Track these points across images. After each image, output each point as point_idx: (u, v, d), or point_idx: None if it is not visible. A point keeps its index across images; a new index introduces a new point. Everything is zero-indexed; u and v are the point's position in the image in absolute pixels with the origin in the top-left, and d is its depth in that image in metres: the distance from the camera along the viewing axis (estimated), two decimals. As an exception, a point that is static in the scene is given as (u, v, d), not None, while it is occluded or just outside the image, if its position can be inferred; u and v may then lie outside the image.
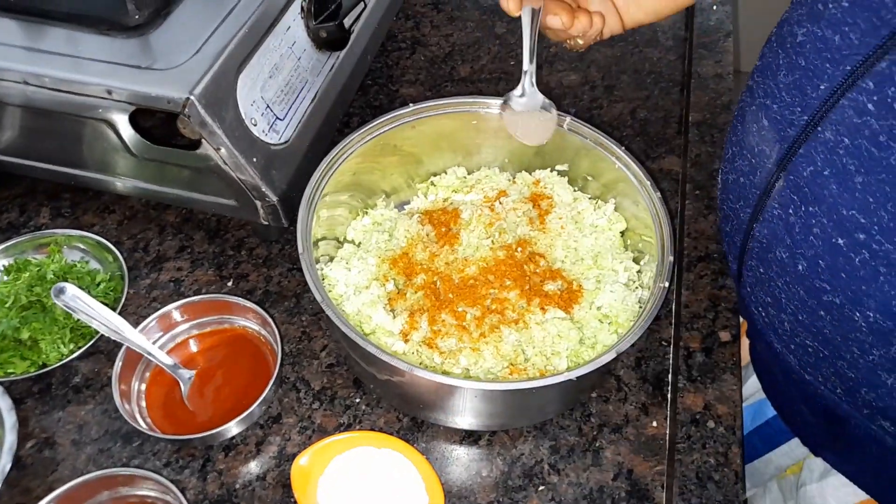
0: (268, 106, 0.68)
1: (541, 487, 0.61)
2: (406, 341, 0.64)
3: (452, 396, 0.57)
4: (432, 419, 0.64)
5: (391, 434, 0.63)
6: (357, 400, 0.66)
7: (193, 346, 0.67)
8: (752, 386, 0.75)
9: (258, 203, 0.68)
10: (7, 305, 0.68)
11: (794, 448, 0.71)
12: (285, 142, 0.70)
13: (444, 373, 0.61)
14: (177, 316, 0.66)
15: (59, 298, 0.59)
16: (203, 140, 0.62)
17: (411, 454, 0.59)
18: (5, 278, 0.71)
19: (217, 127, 0.62)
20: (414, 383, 0.57)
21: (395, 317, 0.65)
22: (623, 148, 0.69)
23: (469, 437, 0.64)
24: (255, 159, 0.65)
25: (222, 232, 0.80)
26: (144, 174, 0.72)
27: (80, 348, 0.66)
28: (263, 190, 0.67)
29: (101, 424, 0.64)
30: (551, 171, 0.76)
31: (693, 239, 0.78)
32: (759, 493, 0.78)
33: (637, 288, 0.68)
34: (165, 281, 0.75)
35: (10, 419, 0.59)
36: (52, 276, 0.71)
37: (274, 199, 0.68)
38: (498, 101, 0.73)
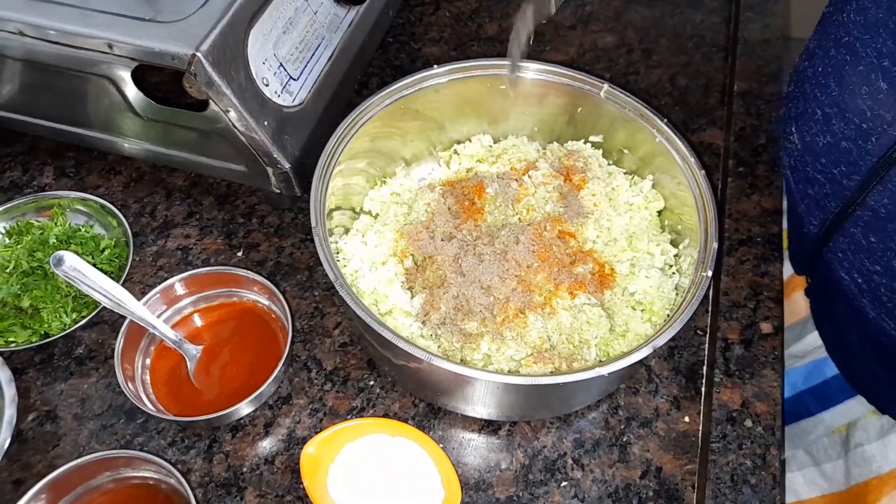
0: (281, 65, 0.63)
1: (563, 483, 0.57)
2: (424, 323, 0.60)
3: (471, 387, 0.53)
4: (450, 406, 0.60)
5: (406, 420, 0.60)
6: (371, 382, 0.63)
7: (199, 321, 0.64)
8: (807, 344, 0.70)
9: (269, 170, 0.64)
10: (7, 271, 0.65)
11: (851, 408, 0.68)
12: (299, 104, 0.65)
13: (463, 360, 0.57)
14: (180, 289, 0.62)
15: (58, 268, 0.56)
16: (210, 101, 0.58)
17: (427, 443, 0.56)
18: (6, 241, 0.68)
19: (225, 87, 0.57)
20: (431, 371, 0.53)
21: (413, 296, 0.61)
22: (665, 120, 0.64)
23: (488, 427, 0.60)
24: (266, 122, 0.61)
25: (232, 198, 0.75)
26: (150, 135, 0.68)
27: (83, 318, 0.63)
28: (275, 156, 0.62)
29: (104, 399, 0.61)
30: (584, 142, 0.71)
31: (734, 220, 0.72)
32: (799, 453, 0.75)
33: (674, 273, 0.63)
34: (172, 248, 0.71)
35: (10, 391, 0.57)
36: (55, 241, 0.67)
37: (286, 165, 0.63)
38: (529, 64, 0.67)
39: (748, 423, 0.59)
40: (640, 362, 0.63)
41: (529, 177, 0.67)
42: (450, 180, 0.70)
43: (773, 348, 0.63)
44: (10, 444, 0.59)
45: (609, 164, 0.71)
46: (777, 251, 0.69)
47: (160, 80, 0.66)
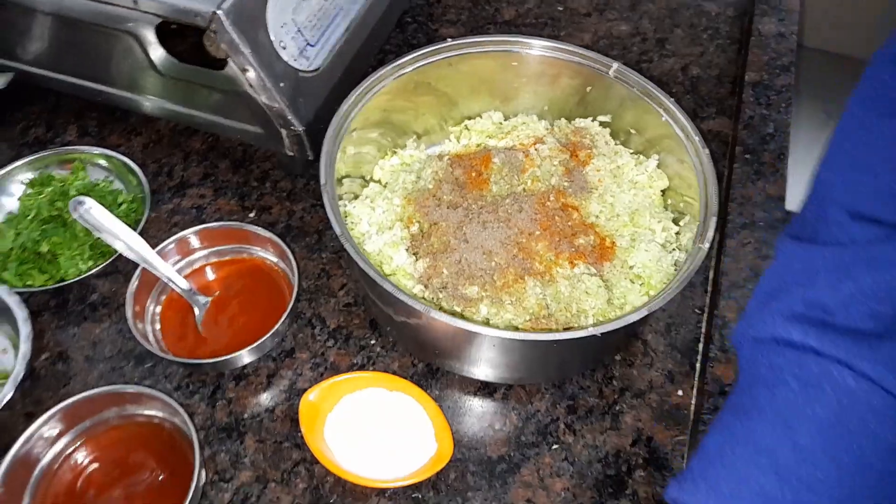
0: (299, 30, 0.65)
1: (554, 446, 0.59)
2: (426, 286, 0.61)
3: (469, 344, 0.55)
4: (448, 367, 0.62)
5: (405, 378, 0.61)
6: (372, 342, 0.64)
7: (210, 274, 0.66)
8: None
9: (283, 132, 0.66)
10: (29, 218, 0.68)
11: None
12: (315, 69, 0.67)
13: (462, 317, 0.59)
14: (194, 242, 0.64)
15: (76, 211, 0.58)
16: (229, 60, 0.60)
17: (423, 399, 0.58)
18: (28, 191, 0.71)
19: (244, 46, 0.59)
20: (430, 327, 0.55)
21: (417, 260, 0.63)
22: (672, 100, 0.65)
23: (484, 389, 0.62)
24: (282, 84, 0.63)
25: (247, 162, 0.78)
26: (171, 95, 0.70)
27: (98, 266, 0.65)
28: (289, 118, 0.64)
29: (114, 343, 0.64)
30: (592, 120, 0.72)
31: (738, 205, 0.73)
32: None
33: (674, 250, 0.64)
34: (187, 207, 0.73)
35: (26, 329, 0.59)
36: (75, 193, 0.70)
37: (300, 128, 0.65)
38: (540, 42, 0.69)
39: (739, 396, 0.60)
40: (637, 336, 0.65)
41: (536, 150, 0.68)
42: (458, 153, 0.72)
43: (769, 328, 0.64)
44: (24, 380, 0.61)
45: (616, 144, 0.72)
46: (778, 235, 0.70)
47: (181, 39, 0.68)
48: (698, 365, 0.63)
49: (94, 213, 0.58)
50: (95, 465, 0.54)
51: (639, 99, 0.67)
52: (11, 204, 0.70)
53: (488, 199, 0.66)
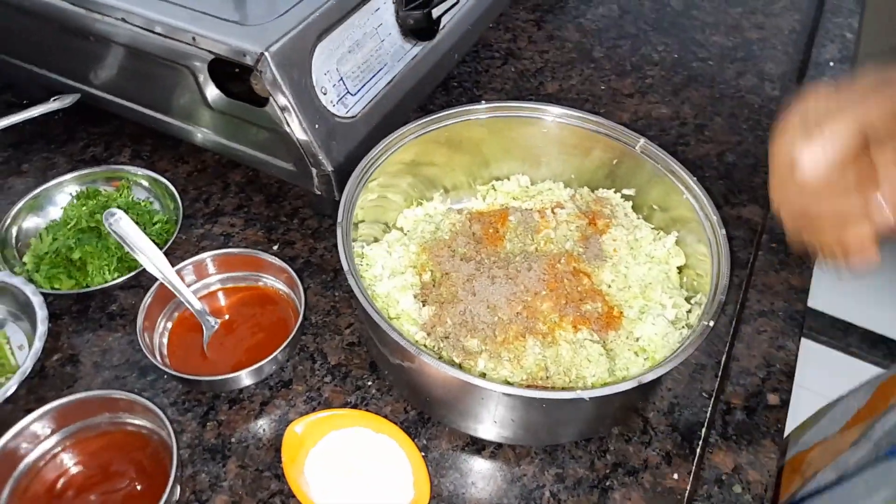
0: (341, 78, 0.69)
1: (536, 513, 0.57)
2: (429, 333, 0.62)
3: (458, 393, 0.55)
4: (438, 417, 0.61)
5: (395, 423, 0.61)
6: (369, 383, 0.64)
7: (222, 299, 0.68)
8: None
9: (314, 171, 0.69)
10: (69, 226, 0.72)
11: None
12: (351, 116, 0.70)
13: (460, 369, 0.59)
14: (211, 266, 0.67)
15: (107, 221, 0.62)
16: (270, 98, 0.64)
17: (407, 446, 0.57)
18: (74, 202, 0.75)
19: (285, 87, 0.63)
20: (422, 371, 0.55)
21: (423, 306, 0.64)
22: (694, 179, 0.65)
23: (472, 445, 0.61)
24: (317, 126, 0.66)
25: (280, 198, 0.81)
26: (219, 128, 0.75)
27: (123, 278, 0.68)
28: (320, 158, 0.67)
29: (123, 353, 0.66)
30: (616, 192, 0.73)
31: (759, 292, 0.72)
32: None
33: (684, 328, 0.63)
34: (217, 234, 0.77)
35: (42, 328, 0.62)
36: (116, 208, 0.74)
37: (329, 168, 0.68)
38: (572, 112, 0.71)
39: (737, 488, 0.57)
40: (636, 411, 0.63)
41: (554, 212, 0.69)
42: (480, 210, 0.73)
43: (777, 421, 0.61)
44: (32, 377, 0.64)
45: (637, 218, 0.72)
46: (797, 328, 0.68)
47: (232, 78, 0.73)
48: (698, 450, 0.61)
49: (123, 225, 0.62)
50: (79, 468, 0.55)
51: (664, 176, 0.68)
52: (56, 213, 0.75)
53: (501, 256, 0.66)
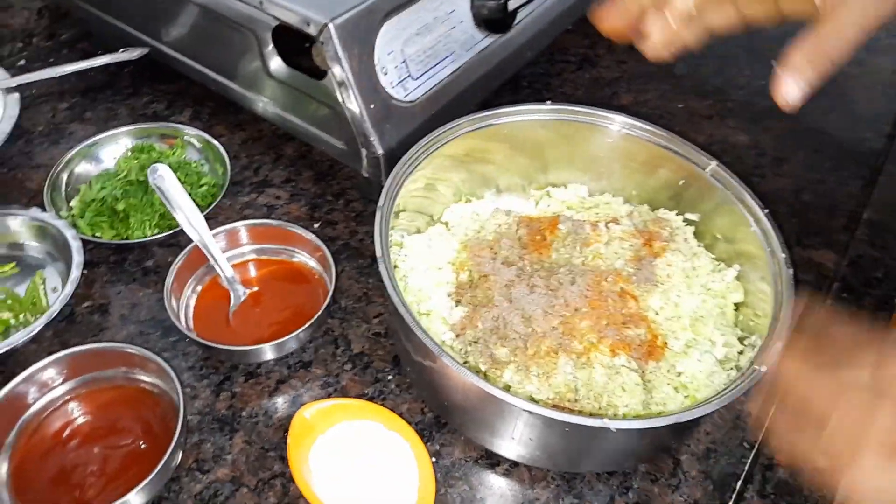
0: (405, 61, 0.67)
1: (543, 542, 0.53)
2: (458, 335, 0.59)
3: (476, 401, 0.51)
4: (454, 423, 0.58)
5: (409, 423, 0.58)
6: (389, 377, 0.62)
7: (253, 270, 0.67)
8: None
9: (363, 152, 0.67)
10: (118, 177, 0.72)
11: None
12: (410, 101, 0.68)
13: (485, 377, 0.55)
14: (244, 236, 0.66)
15: (151, 175, 0.61)
16: (329, 71, 0.62)
17: (418, 449, 0.54)
18: (127, 155, 0.76)
19: (345, 61, 0.61)
20: (443, 374, 0.52)
21: (456, 306, 0.61)
22: (767, 212, 0.60)
23: (487, 459, 0.57)
24: (372, 105, 0.64)
25: (329, 177, 0.79)
26: (278, 98, 0.74)
27: (161, 234, 0.68)
28: (371, 139, 0.65)
29: (150, 310, 0.65)
30: (678, 214, 0.68)
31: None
32: None
33: (732, 369, 0.58)
34: (261, 204, 0.76)
35: (76, 273, 0.62)
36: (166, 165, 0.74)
37: (379, 151, 0.66)
38: (641, 124, 0.66)
39: (768, 553, 0.52)
40: (668, 451, 0.58)
41: (607, 227, 0.65)
42: (530, 216, 0.70)
43: (823, 486, 0.56)
44: (60, 321, 0.64)
45: (698, 246, 0.67)
46: (860, 387, 0.61)
47: (296, 48, 0.72)
48: (731, 503, 0.56)
49: (166, 181, 0.61)
50: (87, 418, 0.55)
51: (733, 204, 0.63)
52: (109, 163, 0.76)
53: (545, 265, 0.63)
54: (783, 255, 0.57)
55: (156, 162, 0.73)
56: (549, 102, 0.68)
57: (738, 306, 0.63)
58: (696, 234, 0.68)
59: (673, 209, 0.70)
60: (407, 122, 0.68)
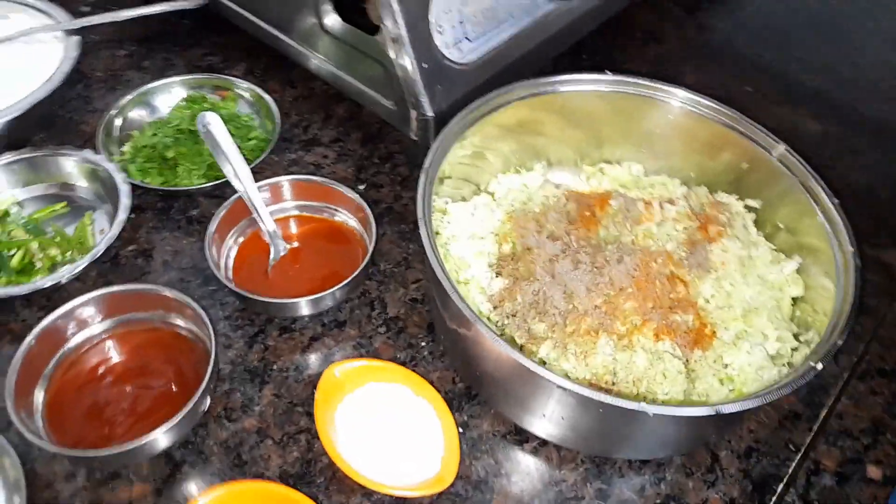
0: (462, 21, 0.65)
1: (567, 525, 0.51)
2: (495, 307, 0.57)
3: (508, 373, 0.49)
4: (486, 396, 0.56)
5: (439, 392, 0.57)
6: (423, 343, 0.61)
7: (294, 227, 0.66)
8: None
9: (413, 113, 0.65)
10: (170, 125, 0.73)
11: None
12: (464, 63, 0.66)
13: (520, 350, 0.54)
14: (287, 191, 0.65)
15: (200, 124, 0.61)
16: (382, 25, 0.60)
17: (446, 418, 0.53)
18: (181, 104, 0.76)
19: (400, 15, 0.59)
20: (477, 343, 0.50)
21: (495, 277, 0.59)
22: (837, 202, 0.56)
23: (515, 435, 0.56)
24: (425, 65, 0.62)
25: (378, 140, 0.78)
26: (331, 54, 0.72)
27: (208, 184, 0.68)
28: (421, 100, 0.63)
29: (192, 258, 0.65)
30: (738, 199, 0.64)
31: (884, 347, 0.62)
32: None
33: (784, 365, 0.55)
34: (308, 161, 0.75)
35: (122, 215, 0.62)
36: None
37: (429, 113, 0.64)
38: (706, 101, 0.63)
39: (807, 560, 0.49)
40: (707, 445, 0.56)
41: (661, 206, 0.62)
42: (580, 191, 0.67)
43: (875, 498, 0.52)
44: (105, 262, 0.65)
45: (758, 234, 0.63)
46: (923, 397, 0.57)
47: (351, 4, 0.70)
48: (770, 506, 0.53)
49: (214, 130, 0.61)
50: (122, 358, 0.56)
51: (799, 193, 0.59)
52: (163, 112, 0.76)
53: (592, 242, 0.60)
54: (851, 250, 0.53)
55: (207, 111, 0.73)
56: (608, 72, 0.65)
57: (795, 301, 0.59)
58: (757, 222, 0.64)
59: (733, 193, 0.66)
60: (460, 86, 0.66)
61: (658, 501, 0.53)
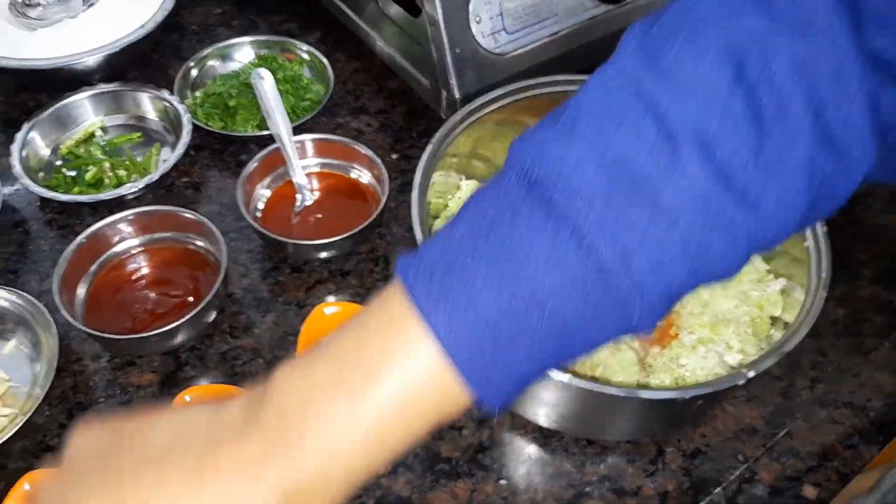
0: (501, 13, 0.69)
1: (501, 481, 0.56)
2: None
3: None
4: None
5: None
6: (413, 302, 0.66)
7: (316, 182, 0.73)
8: None
9: (443, 93, 0.71)
10: (239, 79, 0.82)
11: None
12: (497, 53, 0.71)
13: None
14: (309, 148, 0.72)
15: (254, 78, 0.69)
16: (424, 8, 0.66)
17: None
18: (254, 60, 0.85)
19: (439, 2, 0.64)
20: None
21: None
22: (824, 229, 0.57)
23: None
24: (458, 50, 0.67)
25: (420, 117, 0.84)
26: (387, 35, 0.79)
27: (260, 132, 0.76)
28: (451, 81, 0.69)
29: (232, 197, 0.74)
30: (737, 216, 0.66)
31: (861, 384, 0.61)
32: None
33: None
34: (351, 127, 0.82)
35: (180, 150, 0.72)
36: (282, 75, 0.82)
37: (457, 95, 0.69)
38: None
39: (716, 557, 0.51)
40: (654, 437, 0.59)
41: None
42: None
43: (803, 517, 0.53)
44: (160, 189, 0.74)
45: (753, 253, 0.65)
46: (881, 434, 0.57)
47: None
48: (700, 506, 0.55)
49: (265, 85, 0.69)
50: (153, 268, 0.65)
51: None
52: (236, 66, 0.85)
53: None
54: (825, 275, 0.54)
55: (271, 69, 0.82)
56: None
57: (774, 320, 0.61)
58: (757, 242, 0.65)
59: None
60: (491, 74, 0.71)
61: (594, 478, 0.56)
